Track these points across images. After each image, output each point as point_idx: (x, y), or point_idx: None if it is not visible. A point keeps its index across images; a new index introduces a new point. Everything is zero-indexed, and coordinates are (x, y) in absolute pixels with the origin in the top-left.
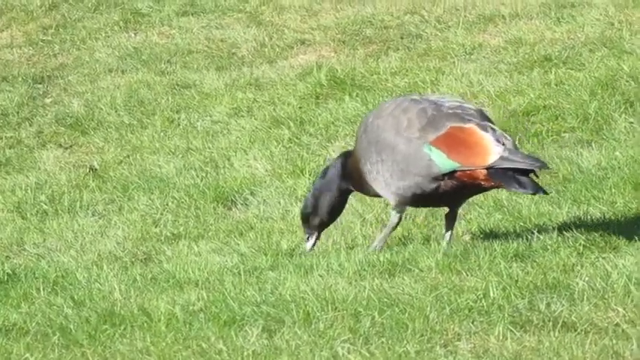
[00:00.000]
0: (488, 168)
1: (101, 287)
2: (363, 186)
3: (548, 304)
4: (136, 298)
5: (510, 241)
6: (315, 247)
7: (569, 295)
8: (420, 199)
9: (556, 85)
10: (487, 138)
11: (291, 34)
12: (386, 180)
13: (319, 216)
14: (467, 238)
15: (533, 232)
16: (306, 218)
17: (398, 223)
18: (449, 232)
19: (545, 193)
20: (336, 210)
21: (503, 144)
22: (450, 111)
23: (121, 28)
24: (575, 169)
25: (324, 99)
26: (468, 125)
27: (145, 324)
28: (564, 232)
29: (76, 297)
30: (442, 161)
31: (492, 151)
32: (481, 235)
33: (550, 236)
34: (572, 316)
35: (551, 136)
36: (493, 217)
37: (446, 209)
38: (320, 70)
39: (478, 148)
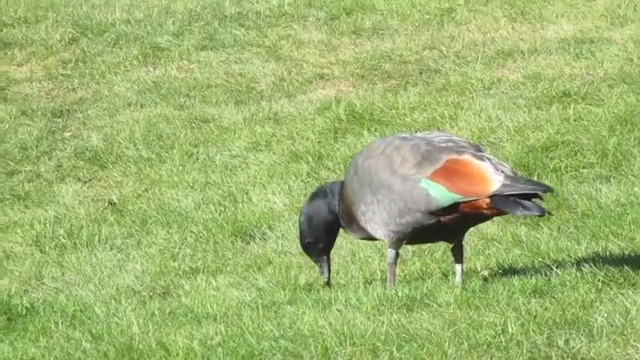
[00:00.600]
0: (491, 196)
1: (119, 321)
2: (353, 228)
3: (566, 341)
4: (154, 332)
5: (529, 276)
6: (330, 273)
7: (588, 331)
8: (419, 235)
9: (575, 120)
10: (485, 167)
11: (309, 69)
12: (383, 219)
13: (318, 240)
14: (485, 273)
15: (551, 268)
16: (307, 249)
17: (396, 259)
18: (459, 265)
19: (550, 214)
20: (333, 228)
21: (502, 171)
22: (443, 144)
23: (140, 62)
24: (594, 204)
25: (342, 134)
26: (463, 157)
27: (163, 358)
28: (583, 268)
29: (94, 331)
30: (442, 195)
31: (493, 179)
32: (499, 271)
33: (569, 272)
34: (590, 352)
35: (570, 171)
36: (512, 252)
37: (449, 245)
38: (339, 104)
39: (478, 178)
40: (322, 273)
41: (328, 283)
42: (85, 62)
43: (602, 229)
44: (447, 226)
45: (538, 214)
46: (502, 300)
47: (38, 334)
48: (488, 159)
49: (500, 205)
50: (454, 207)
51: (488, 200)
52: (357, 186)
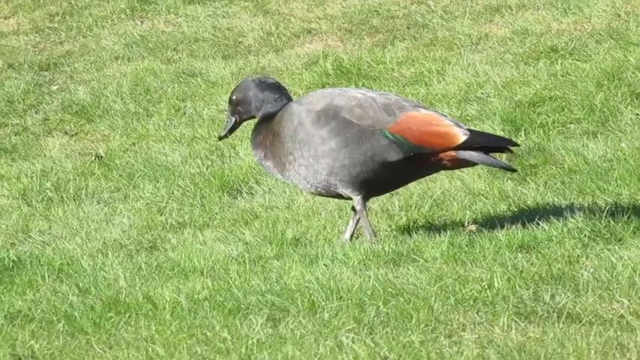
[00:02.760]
0: (456, 148)
1: (106, 275)
2: (267, 157)
3: (552, 296)
4: (141, 286)
5: (515, 231)
6: (229, 134)
7: (574, 286)
8: (371, 184)
9: (562, 76)
10: (447, 121)
11: (297, 23)
12: (334, 168)
13: (249, 108)
14: (472, 228)
15: (538, 223)
16: (235, 102)
17: (365, 207)
18: (354, 220)
19: (514, 170)
20: (266, 110)
21: (463, 126)
22: (400, 100)
23: (127, 15)
24: (580, 160)
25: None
26: (423, 111)
27: (150, 312)
28: (569, 224)
29: (81, 285)
30: (403, 146)
31: (458, 132)
32: (486, 226)
33: (555, 227)
34: (576, 307)
35: (557, 127)
36: (498, 207)
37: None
38: (326, 59)
39: (442, 131)
40: (225, 128)
41: (220, 139)
42: (72, 15)
43: (589, 185)
44: (402, 176)
45: (506, 167)
46: (488, 255)
47: (25, 287)
48: (445, 115)
49: (467, 156)
50: (414, 157)
51: (453, 152)
52: (302, 134)
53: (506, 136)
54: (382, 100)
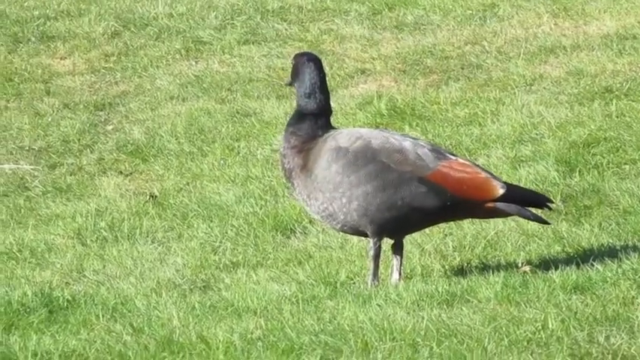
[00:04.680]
0: (494, 200)
1: (160, 315)
2: (299, 185)
3: (607, 337)
4: (195, 325)
5: (569, 272)
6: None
7: (629, 327)
8: (403, 228)
9: (617, 116)
10: (483, 172)
11: (351, 64)
12: (368, 210)
13: (309, 90)
14: (526, 269)
15: (592, 264)
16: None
17: (380, 252)
18: (398, 260)
19: (549, 224)
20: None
21: (497, 177)
22: (436, 147)
23: (182, 56)
24: (635, 201)
25: (384, 128)
26: (461, 161)
27: (204, 352)
28: (624, 265)
29: (134, 324)
30: (442, 193)
31: (495, 184)
32: (540, 267)
33: (610, 268)
34: (631, 349)
35: (612, 168)
36: (552, 248)
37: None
38: (380, 99)
39: (479, 181)
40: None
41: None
42: (127, 56)
43: None
44: (433, 221)
45: (539, 220)
46: (542, 296)
47: (79, 326)
48: (479, 166)
49: (504, 207)
50: (450, 206)
51: (490, 203)
52: (335, 170)
53: (544, 192)
54: (420, 147)
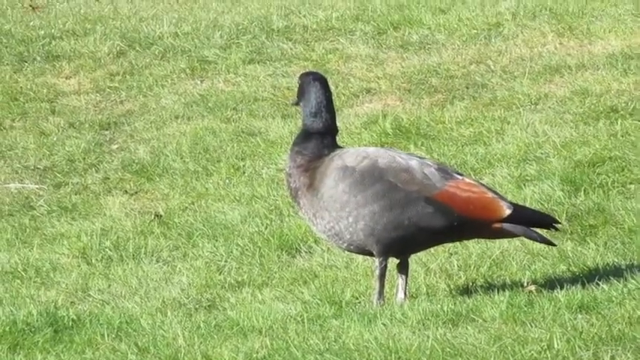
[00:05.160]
0: (500, 221)
1: (165, 334)
2: (304, 203)
3: (612, 357)
4: (200, 345)
5: (575, 292)
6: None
7: (635, 347)
8: (409, 247)
9: (622, 136)
10: (491, 193)
11: (356, 83)
12: (374, 229)
13: (311, 106)
14: (532, 288)
15: (598, 284)
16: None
17: (385, 271)
18: (403, 279)
19: (554, 245)
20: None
21: (505, 199)
22: (441, 166)
23: (187, 75)
24: None
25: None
26: (468, 180)
27: None
28: (630, 284)
29: (140, 343)
30: (449, 213)
31: (502, 204)
32: (545, 286)
33: (615, 288)
34: None
35: (617, 187)
36: (558, 267)
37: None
38: (385, 118)
39: (486, 202)
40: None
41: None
42: (132, 75)
43: None
44: (439, 241)
45: (545, 242)
46: (548, 315)
47: (84, 346)
48: (485, 186)
49: (510, 228)
50: (457, 226)
51: (497, 224)
52: (342, 189)
53: (550, 213)
54: (426, 166)
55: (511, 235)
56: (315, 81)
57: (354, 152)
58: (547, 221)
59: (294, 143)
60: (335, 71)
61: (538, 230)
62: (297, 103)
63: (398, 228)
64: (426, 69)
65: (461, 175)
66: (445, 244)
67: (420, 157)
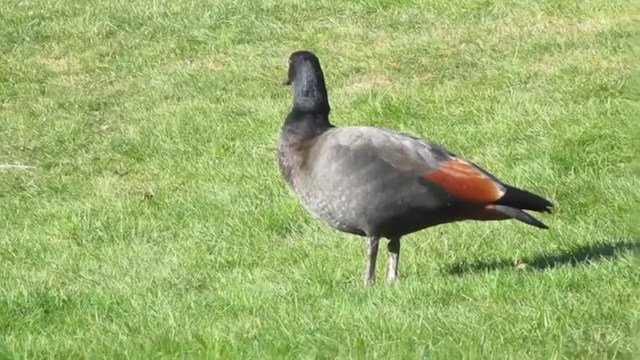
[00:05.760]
0: (495, 202)
1: (156, 314)
2: (297, 182)
3: (603, 335)
4: (191, 325)
5: (565, 270)
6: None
7: (625, 325)
8: (402, 227)
9: (612, 114)
10: (484, 175)
11: (346, 62)
12: (367, 208)
13: (302, 85)
14: (522, 267)
15: (588, 262)
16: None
17: (377, 251)
18: (394, 257)
19: (546, 227)
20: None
21: (499, 181)
22: (435, 146)
23: (177, 55)
24: (630, 198)
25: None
26: (462, 161)
27: (199, 351)
28: (620, 262)
29: (130, 324)
30: (442, 194)
31: (496, 186)
32: (536, 265)
33: (605, 266)
34: (627, 346)
35: (607, 165)
36: (548, 246)
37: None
38: (375, 98)
39: (480, 183)
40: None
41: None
42: (122, 55)
43: (639, 223)
44: (432, 222)
45: (537, 224)
46: (538, 294)
47: (75, 326)
48: (479, 167)
49: (503, 210)
50: (449, 206)
51: (490, 205)
52: (335, 168)
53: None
54: (420, 147)
55: (503, 216)
56: (306, 60)
57: (347, 131)
58: (540, 204)
59: (286, 122)
60: (324, 50)
61: (530, 213)
62: (288, 83)
63: (390, 208)
64: (416, 48)
65: (454, 155)
66: (436, 224)
67: (413, 138)
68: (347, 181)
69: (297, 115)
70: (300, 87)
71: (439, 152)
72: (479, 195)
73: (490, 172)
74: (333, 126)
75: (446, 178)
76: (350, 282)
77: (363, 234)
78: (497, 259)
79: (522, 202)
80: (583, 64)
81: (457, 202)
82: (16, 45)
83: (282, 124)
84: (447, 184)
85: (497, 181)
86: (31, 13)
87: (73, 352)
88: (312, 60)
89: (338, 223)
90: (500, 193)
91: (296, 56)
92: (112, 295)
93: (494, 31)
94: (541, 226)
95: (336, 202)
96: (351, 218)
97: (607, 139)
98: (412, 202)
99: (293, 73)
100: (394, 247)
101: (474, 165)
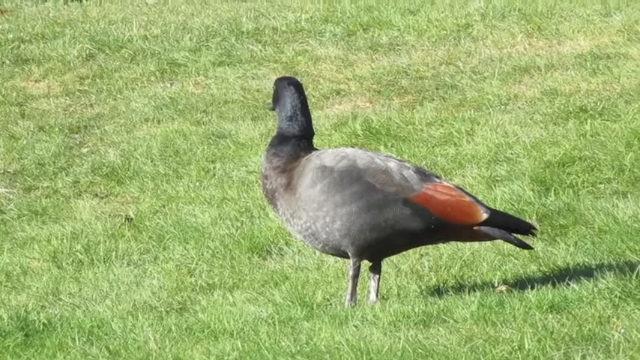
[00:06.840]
0: (479, 224)
1: (136, 337)
2: (280, 204)
3: (583, 356)
4: (171, 348)
5: (546, 292)
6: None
7: (605, 347)
8: (385, 249)
9: (592, 136)
10: (467, 196)
11: (326, 85)
12: (350, 230)
13: (285, 111)
14: (502, 289)
15: (568, 284)
16: (273, 101)
17: (359, 272)
18: (376, 280)
19: (531, 248)
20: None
21: (483, 203)
22: (420, 170)
23: (157, 78)
24: (610, 220)
25: None
26: (446, 184)
27: None
28: (600, 284)
29: (111, 347)
30: (426, 216)
31: (480, 208)
32: (516, 286)
33: (585, 287)
34: None
35: (587, 187)
36: (528, 268)
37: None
38: (355, 120)
39: (463, 205)
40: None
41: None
42: (102, 78)
43: (619, 245)
44: (415, 243)
45: (521, 245)
46: (519, 316)
47: (55, 350)
48: (463, 189)
49: (487, 231)
50: (433, 228)
51: (476, 227)
52: (320, 189)
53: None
54: (405, 168)
55: (489, 238)
56: (290, 85)
57: (332, 153)
58: (524, 227)
59: (271, 145)
60: (305, 73)
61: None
62: (272, 108)
63: (374, 229)
64: (396, 70)
65: (439, 178)
66: (419, 246)
67: (398, 160)
68: (331, 202)
69: (281, 139)
70: (285, 112)
71: (424, 174)
72: (463, 217)
73: (474, 195)
74: (317, 149)
75: (430, 200)
76: (331, 304)
77: (346, 255)
78: (477, 280)
79: (506, 225)
80: (563, 86)
81: (441, 224)
82: None
83: (266, 147)
84: (432, 206)
85: (481, 203)
86: (10, 36)
87: None
88: (296, 85)
89: (321, 245)
90: (484, 216)
91: (280, 82)
92: (93, 319)
93: (474, 53)
94: (526, 247)
95: (320, 222)
96: (334, 239)
97: (587, 160)
98: (396, 224)
99: (277, 98)
100: (375, 269)
101: (459, 187)
